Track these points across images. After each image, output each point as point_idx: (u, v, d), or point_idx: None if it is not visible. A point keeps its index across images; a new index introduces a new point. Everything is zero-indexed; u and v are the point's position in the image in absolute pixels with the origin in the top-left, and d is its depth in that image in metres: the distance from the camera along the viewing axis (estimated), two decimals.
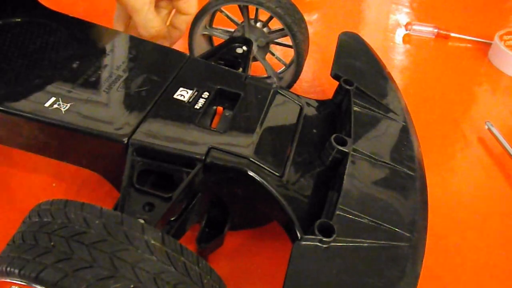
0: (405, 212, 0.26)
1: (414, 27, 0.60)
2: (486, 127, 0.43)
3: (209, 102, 0.30)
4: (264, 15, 0.39)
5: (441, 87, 0.51)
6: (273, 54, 0.44)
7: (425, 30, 0.60)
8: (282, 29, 0.39)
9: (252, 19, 0.41)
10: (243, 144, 0.27)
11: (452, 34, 0.59)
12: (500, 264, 0.33)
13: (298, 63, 0.40)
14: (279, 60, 0.44)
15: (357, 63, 0.38)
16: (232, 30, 0.42)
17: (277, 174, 0.26)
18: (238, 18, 0.41)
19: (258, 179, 0.25)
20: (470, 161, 0.42)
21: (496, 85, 0.52)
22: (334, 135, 0.29)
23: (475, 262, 0.33)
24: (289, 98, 0.32)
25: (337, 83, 0.35)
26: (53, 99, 0.28)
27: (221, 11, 0.41)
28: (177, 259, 0.19)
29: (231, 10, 0.42)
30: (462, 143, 0.44)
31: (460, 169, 0.41)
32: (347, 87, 0.33)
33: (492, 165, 0.41)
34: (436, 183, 0.38)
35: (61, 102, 0.28)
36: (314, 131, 0.31)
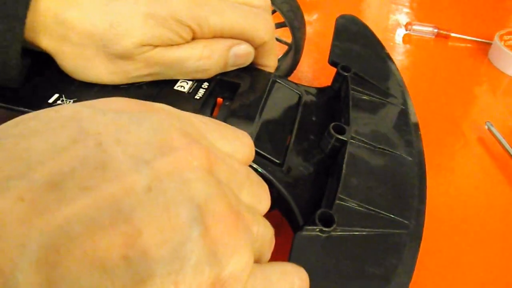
0: (404, 199, 0.26)
1: (414, 27, 0.60)
2: (486, 127, 0.43)
3: (209, 92, 0.30)
4: None
5: (441, 87, 0.51)
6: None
7: (425, 30, 0.60)
8: (283, 24, 0.39)
9: None
10: None
11: (452, 34, 0.59)
12: (500, 264, 0.33)
13: (294, 59, 0.40)
14: (282, 42, 0.44)
15: (355, 47, 0.37)
16: None
17: (277, 161, 0.27)
18: None
19: (258, 168, 0.25)
20: (470, 161, 0.42)
21: (496, 85, 0.52)
22: (332, 124, 0.29)
23: (475, 262, 0.33)
24: (288, 87, 0.33)
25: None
26: (56, 95, 0.28)
27: None
28: None
29: None
30: (462, 143, 0.43)
31: (460, 169, 0.41)
32: (345, 73, 0.33)
33: (492, 165, 0.41)
34: (435, 183, 0.38)
35: (64, 98, 0.27)
36: (314, 118, 0.31)
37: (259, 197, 0.19)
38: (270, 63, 0.33)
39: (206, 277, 0.14)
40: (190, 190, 0.15)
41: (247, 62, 0.31)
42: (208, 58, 0.29)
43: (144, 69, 0.28)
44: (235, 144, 0.20)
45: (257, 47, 0.31)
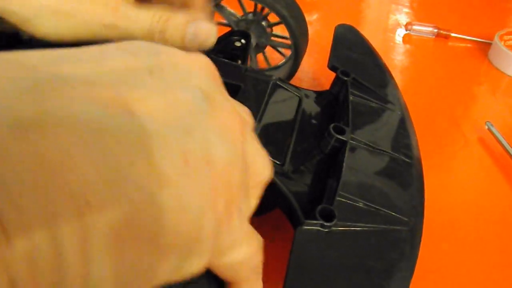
0: (403, 198, 0.27)
1: (414, 27, 0.60)
2: (486, 127, 0.43)
3: None
4: (272, 17, 0.39)
5: (441, 87, 0.51)
6: (263, 53, 0.44)
7: (425, 30, 0.60)
8: (284, 38, 0.40)
9: (262, 15, 0.41)
10: None
11: (452, 34, 0.59)
12: (499, 264, 0.33)
13: (291, 70, 0.41)
14: (266, 60, 0.44)
15: (353, 54, 0.38)
16: (238, 15, 0.42)
17: (278, 163, 0.27)
18: (248, 7, 0.41)
19: None
20: (470, 161, 0.42)
21: (496, 85, 0.52)
22: (332, 125, 0.29)
23: (475, 262, 0.33)
24: (288, 90, 0.33)
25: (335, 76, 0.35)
26: None
27: None
28: None
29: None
30: (462, 143, 0.43)
31: (460, 169, 0.41)
32: (344, 78, 0.34)
33: (492, 165, 0.41)
34: (435, 183, 0.38)
35: None
36: (313, 121, 0.32)
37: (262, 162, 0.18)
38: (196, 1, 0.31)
39: (215, 155, 0.13)
40: (191, 81, 0.14)
41: (207, 41, 0.29)
42: (163, 25, 0.28)
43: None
44: None
45: None
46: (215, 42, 0.31)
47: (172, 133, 0.12)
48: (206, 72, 0.15)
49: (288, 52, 0.43)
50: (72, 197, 0.10)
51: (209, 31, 0.29)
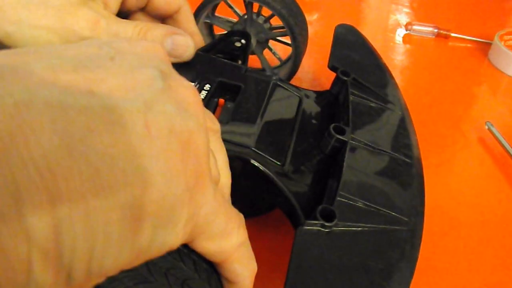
0: (403, 198, 0.27)
1: (414, 27, 0.60)
2: (486, 127, 0.43)
3: (211, 94, 0.30)
4: (267, 10, 0.39)
5: (441, 87, 0.51)
6: (270, 49, 0.44)
7: (425, 30, 0.60)
8: (283, 28, 0.39)
9: (254, 13, 0.41)
10: (245, 135, 0.27)
11: (452, 34, 0.59)
12: (500, 264, 0.33)
13: (295, 62, 0.41)
14: (275, 55, 0.44)
15: (353, 54, 0.38)
16: (233, 20, 0.42)
17: (278, 163, 0.27)
18: (241, 9, 0.41)
19: (261, 168, 0.26)
20: (470, 161, 0.42)
21: (496, 85, 0.52)
22: (333, 125, 0.29)
23: (475, 262, 0.33)
24: (289, 90, 0.33)
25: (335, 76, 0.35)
26: None
27: (225, 1, 0.41)
28: (187, 255, 0.19)
29: (234, 1, 0.42)
30: (462, 143, 0.43)
31: (460, 169, 0.41)
32: (344, 78, 0.34)
33: (492, 165, 0.41)
34: (435, 183, 0.38)
35: None
36: (313, 121, 0.32)
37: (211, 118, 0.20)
38: (192, 29, 0.34)
39: (178, 125, 0.14)
40: (149, 63, 0.16)
41: (185, 54, 0.31)
42: (143, 37, 0.30)
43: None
44: None
45: (176, 13, 0.32)
46: (193, 55, 0.32)
47: (131, 106, 0.13)
48: (161, 57, 0.17)
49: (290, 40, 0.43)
50: (35, 167, 0.11)
51: (186, 45, 0.31)
